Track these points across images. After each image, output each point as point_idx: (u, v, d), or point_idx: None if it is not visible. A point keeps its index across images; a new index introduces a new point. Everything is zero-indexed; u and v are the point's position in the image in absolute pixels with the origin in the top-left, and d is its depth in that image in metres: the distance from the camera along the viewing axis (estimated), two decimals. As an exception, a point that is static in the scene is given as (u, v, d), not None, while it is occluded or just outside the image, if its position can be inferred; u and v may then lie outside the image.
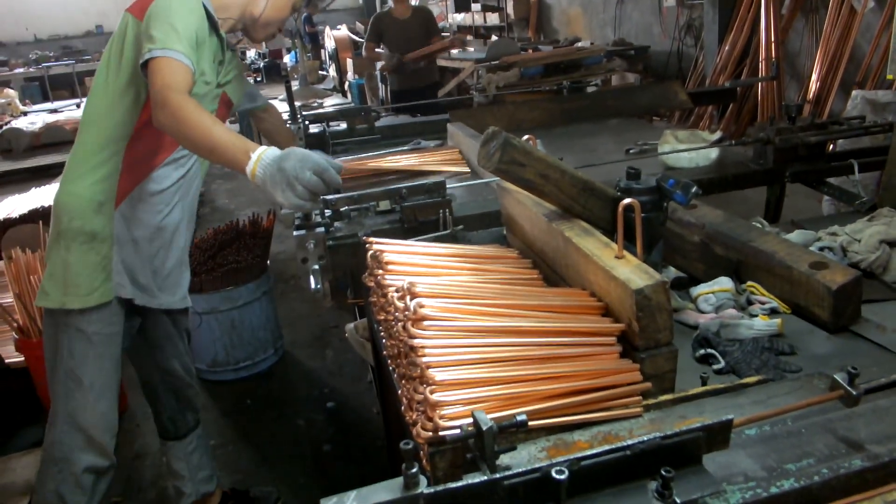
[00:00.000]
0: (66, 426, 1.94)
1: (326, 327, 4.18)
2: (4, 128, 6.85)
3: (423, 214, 1.98)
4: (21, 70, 14.12)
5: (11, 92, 11.45)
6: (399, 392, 1.26)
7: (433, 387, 1.06)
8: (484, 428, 0.90)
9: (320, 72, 7.87)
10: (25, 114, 10.33)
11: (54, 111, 10.91)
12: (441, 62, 7.55)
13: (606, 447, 0.85)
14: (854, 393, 0.98)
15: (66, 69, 14.13)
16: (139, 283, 1.99)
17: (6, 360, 3.16)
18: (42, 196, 4.89)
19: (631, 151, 2.78)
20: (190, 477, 2.36)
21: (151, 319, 2.17)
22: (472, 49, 7.69)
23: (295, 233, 1.80)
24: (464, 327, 1.18)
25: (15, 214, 4.46)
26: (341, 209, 2.04)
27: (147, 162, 1.93)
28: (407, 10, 5.85)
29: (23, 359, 3.05)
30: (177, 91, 1.63)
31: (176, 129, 1.61)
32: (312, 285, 1.76)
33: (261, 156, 1.55)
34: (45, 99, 13.73)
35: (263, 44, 7.87)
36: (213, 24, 1.89)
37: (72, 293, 1.87)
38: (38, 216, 4.16)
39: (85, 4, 15.85)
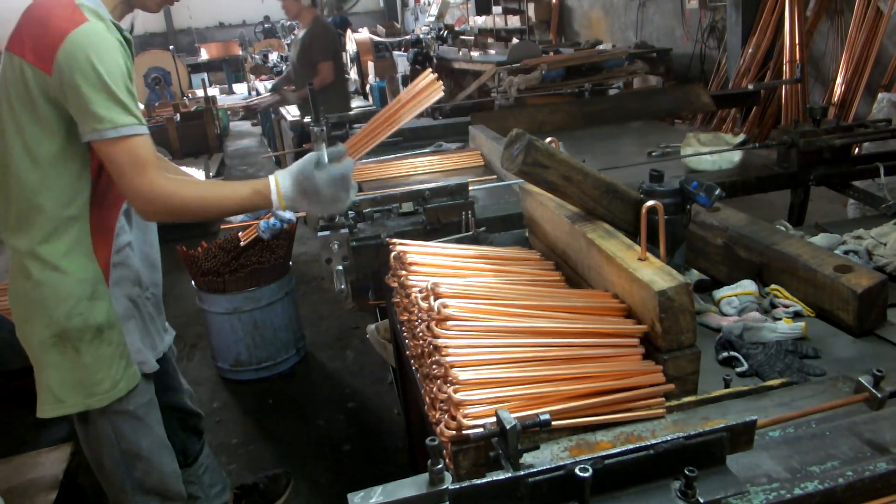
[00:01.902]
0: (139, 496, 1.88)
1: (347, 328, 4.21)
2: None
3: (446, 216, 2.00)
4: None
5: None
6: (422, 391, 1.27)
7: (457, 386, 1.08)
8: (508, 426, 0.91)
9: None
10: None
11: None
12: (462, 65, 7.57)
13: (630, 446, 0.86)
14: (879, 396, 0.98)
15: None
16: (151, 346, 1.87)
17: (34, 358, 3.21)
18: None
19: (653, 154, 2.77)
20: (205, 496, 2.34)
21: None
22: (493, 52, 7.70)
23: (319, 234, 1.82)
24: (487, 327, 1.19)
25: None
26: (364, 210, 2.06)
27: (109, 221, 1.73)
28: (306, 22, 4.97)
29: (51, 356, 3.10)
30: (155, 177, 1.53)
31: (182, 214, 1.58)
32: (336, 286, 1.77)
33: (277, 181, 1.62)
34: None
35: (286, 47, 7.83)
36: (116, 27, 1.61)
37: (96, 393, 1.70)
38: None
39: (110, 8, 16.05)
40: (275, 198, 1.62)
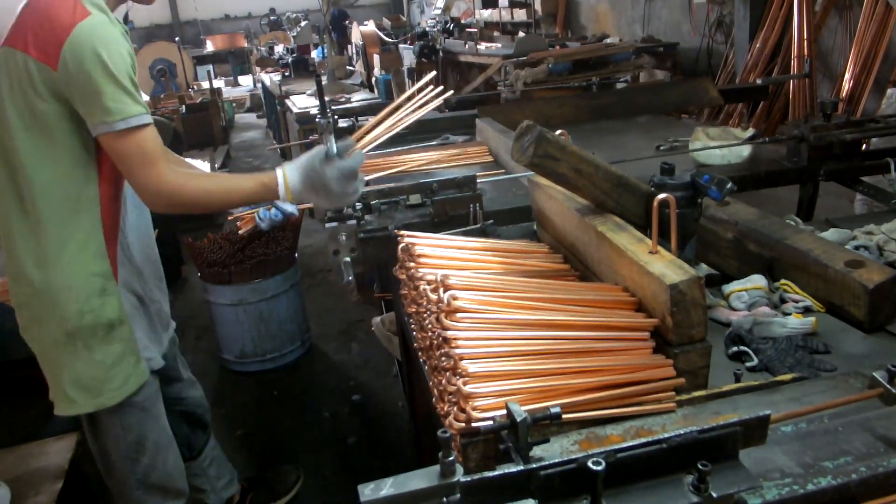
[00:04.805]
0: (141, 491, 1.88)
1: (353, 321, 4.21)
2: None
3: (454, 209, 1.99)
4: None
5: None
6: (430, 384, 1.27)
7: (466, 378, 1.07)
8: (518, 419, 0.91)
9: (348, 67, 7.91)
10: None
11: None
12: (468, 58, 7.54)
13: (643, 440, 0.85)
14: (894, 391, 0.97)
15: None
16: (158, 342, 1.88)
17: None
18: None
19: (661, 148, 2.76)
20: (211, 489, 2.36)
21: None
22: (499, 45, 7.67)
23: (327, 225, 1.81)
24: (497, 320, 1.19)
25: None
26: (372, 202, 2.05)
27: (117, 216, 1.73)
28: None
29: (56, 347, 3.10)
30: (163, 169, 1.54)
31: (189, 206, 1.62)
32: (344, 277, 1.77)
33: (284, 174, 1.63)
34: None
35: (291, 39, 7.81)
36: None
37: (107, 391, 1.70)
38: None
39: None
40: (282, 191, 1.63)
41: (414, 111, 2.12)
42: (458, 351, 1.11)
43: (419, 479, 0.83)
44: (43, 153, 1.56)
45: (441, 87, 2.19)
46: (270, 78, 8.20)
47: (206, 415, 2.29)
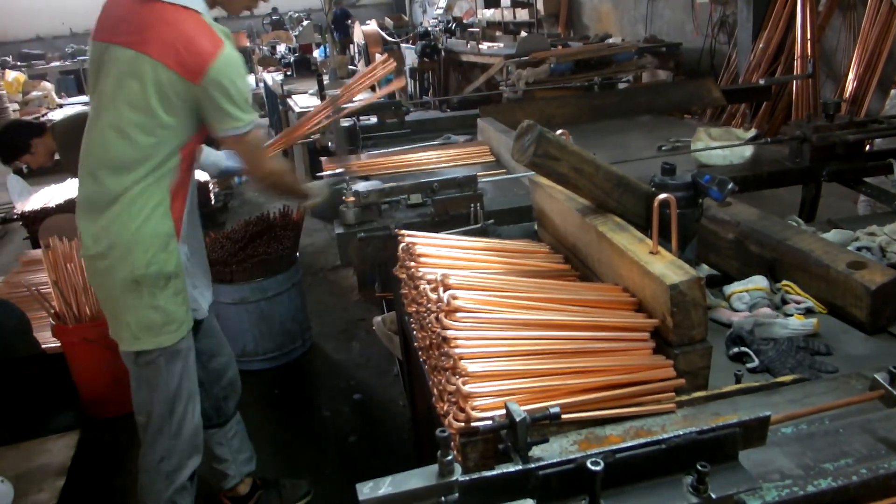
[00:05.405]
0: (173, 440, 2.04)
1: (353, 320, 4.20)
2: (41, 120, 6.99)
3: (455, 208, 1.99)
4: (57, 63, 14.36)
5: (48, 85, 11.67)
6: (430, 383, 1.26)
7: (466, 378, 1.07)
8: (517, 419, 0.91)
9: (349, 66, 7.90)
10: (61, 106, 10.53)
11: (89, 104, 11.06)
12: (470, 58, 7.54)
13: (642, 440, 0.85)
14: (895, 393, 0.96)
15: (101, 62, 14.34)
16: (201, 295, 2.11)
17: (43, 346, 3.22)
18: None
19: (663, 148, 2.75)
20: (233, 460, 2.45)
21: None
22: (501, 45, 7.67)
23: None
24: (496, 319, 1.18)
25: (52, 204, 4.56)
26: (373, 202, 2.05)
27: (186, 183, 1.98)
28: None
29: (59, 344, 3.10)
30: (270, 158, 2.06)
31: (280, 191, 2.16)
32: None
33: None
34: (80, 92, 13.97)
35: (294, 39, 7.82)
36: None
37: (165, 332, 1.94)
38: (75, 206, 4.23)
39: None
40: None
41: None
42: (457, 350, 1.11)
43: (417, 479, 0.83)
44: (148, 132, 1.83)
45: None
46: (272, 77, 8.19)
47: (237, 383, 2.41)
